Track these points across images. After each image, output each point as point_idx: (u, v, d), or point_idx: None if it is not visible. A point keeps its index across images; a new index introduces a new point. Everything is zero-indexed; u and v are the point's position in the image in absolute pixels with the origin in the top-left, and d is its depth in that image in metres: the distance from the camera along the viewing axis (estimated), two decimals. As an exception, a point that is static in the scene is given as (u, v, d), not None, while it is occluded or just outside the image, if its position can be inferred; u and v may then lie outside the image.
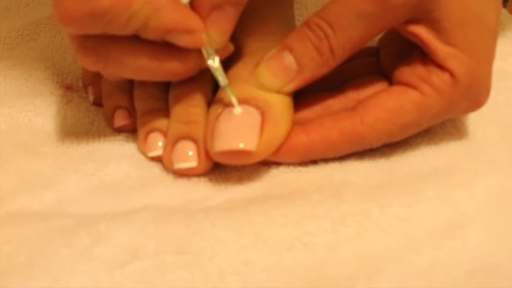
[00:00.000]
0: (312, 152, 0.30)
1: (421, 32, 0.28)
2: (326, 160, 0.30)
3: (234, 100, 0.29)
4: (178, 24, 0.27)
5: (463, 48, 0.28)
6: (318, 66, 0.29)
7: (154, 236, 0.26)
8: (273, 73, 0.30)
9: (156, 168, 0.31)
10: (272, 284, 0.24)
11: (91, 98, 0.37)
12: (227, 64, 0.31)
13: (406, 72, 0.30)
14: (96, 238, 0.25)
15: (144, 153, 0.32)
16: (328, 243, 0.26)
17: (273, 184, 0.30)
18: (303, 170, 0.30)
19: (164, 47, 0.29)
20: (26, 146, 0.33)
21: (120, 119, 0.34)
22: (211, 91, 0.32)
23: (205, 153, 0.29)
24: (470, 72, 0.28)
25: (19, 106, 0.35)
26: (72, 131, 0.34)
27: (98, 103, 0.36)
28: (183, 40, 0.28)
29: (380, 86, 0.31)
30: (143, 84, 0.34)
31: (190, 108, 0.31)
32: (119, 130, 0.34)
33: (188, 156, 0.30)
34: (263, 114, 0.29)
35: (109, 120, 0.35)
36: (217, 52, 0.29)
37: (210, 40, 0.29)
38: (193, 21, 0.28)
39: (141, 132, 0.32)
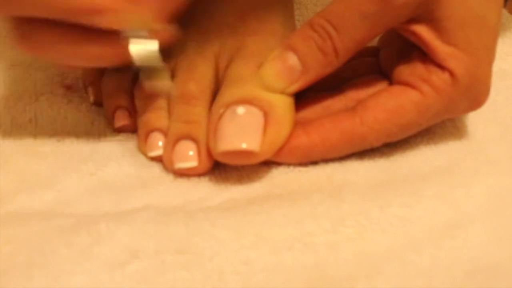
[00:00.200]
0: (313, 153, 0.30)
1: (422, 31, 0.29)
2: (326, 160, 0.30)
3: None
4: (83, 3, 0.25)
5: (464, 47, 0.28)
6: (322, 67, 0.29)
7: (154, 236, 0.26)
8: (277, 73, 0.30)
9: (156, 168, 0.31)
10: (272, 284, 0.24)
11: (91, 98, 0.37)
12: (228, 65, 0.31)
13: (405, 72, 0.30)
14: (96, 238, 0.25)
15: (144, 153, 0.32)
16: (328, 243, 0.26)
17: (273, 184, 0.30)
18: (303, 170, 0.30)
19: (92, 30, 0.26)
20: (26, 146, 0.33)
21: (121, 119, 0.34)
22: (212, 90, 0.32)
23: (206, 152, 0.29)
24: (470, 71, 0.29)
25: (19, 106, 0.35)
26: (72, 131, 0.34)
27: (98, 103, 0.36)
28: (97, 22, 0.26)
29: (380, 85, 0.31)
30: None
31: (191, 108, 0.31)
32: (119, 130, 0.34)
33: (188, 156, 0.30)
34: (266, 114, 0.29)
35: (110, 120, 0.35)
36: (154, 34, 0.27)
37: (135, 21, 0.26)
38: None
39: (141, 132, 0.32)
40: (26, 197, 0.29)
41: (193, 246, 0.25)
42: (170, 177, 0.30)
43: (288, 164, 0.30)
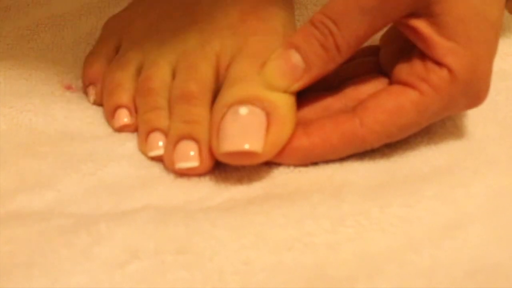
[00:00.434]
0: (313, 154, 0.30)
1: (421, 26, 0.28)
2: (326, 160, 0.30)
3: None
4: None
5: (464, 43, 0.28)
6: (325, 63, 0.29)
7: (154, 236, 0.26)
8: (280, 72, 0.30)
9: (156, 168, 0.31)
10: (272, 284, 0.24)
11: (91, 98, 0.37)
12: (230, 64, 0.31)
13: (405, 71, 0.30)
14: (96, 238, 0.25)
15: (144, 153, 0.32)
16: (328, 243, 0.26)
17: (273, 184, 0.30)
18: (303, 170, 0.30)
19: None
20: (26, 146, 0.32)
21: (121, 119, 0.34)
22: (213, 90, 0.32)
23: (207, 152, 0.30)
24: (469, 67, 0.28)
25: (19, 106, 0.35)
26: (72, 131, 0.34)
27: (98, 103, 0.36)
28: None
29: (380, 84, 0.31)
30: (144, 83, 0.34)
31: (191, 108, 0.31)
32: (119, 130, 0.34)
33: (189, 156, 0.30)
34: (268, 114, 0.29)
35: (110, 120, 0.35)
36: None
37: None
38: None
39: (142, 132, 0.32)
40: (26, 197, 0.29)
41: (193, 246, 0.25)
42: (170, 177, 0.30)
43: (288, 165, 0.30)
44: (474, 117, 0.33)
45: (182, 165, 0.30)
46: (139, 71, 0.35)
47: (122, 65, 0.36)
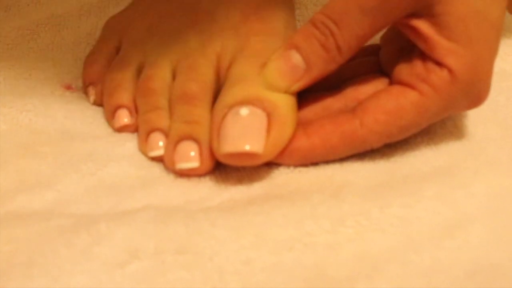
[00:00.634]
0: (313, 155, 0.30)
1: (422, 26, 0.28)
2: (326, 161, 0.30)
3: None
4: None
5: (464, 43, 0.28)
6: (326, 63, 0.29)
7: (154, 236, 0.26)
8: (281, 72, 0.30)
9: (156, 168, 0.31)
10: (272, 284, 0.24)
11: (91, 98, 0.37)
12: (230, 65, 0.31)
13: (405, 71, 0.30)
14: (96, 238, 0.25)
15: (144, 153, 0.32)
16: (328, 243, 0.26)
17: (273, 184, 0.30)
18: (303, 170, 0.30)
19: None
20: (26, 146, 0.32)
21: (121, 119, 0.34)
22: (213, 90, 0.32)
23: (207, 153, 0.29)
24: (469, 68, 0.28)
25: (19, 106, 0.35)
26: (72, 131, 0.34)
27: (98, 103, 0.36)
28: None
29: (379, 84, 0.31)
30: (144, 83, 0.34)
31: (192, 108, 0.31)
32: (120, 130, 0.34)
33: (190, 156, 0.30)
34: (269, 115, 0.29)
35: (110, 120, 0.35)
36: None
37: None
38: None
39: (142, 132, 0.32)
40: (26, 197, 0.29)
41: (193, 246, 0.25)
42: (170, 177, 0.30)
43: (288, 165, 0.30)
44: (474, 118, 0.33)
45: (183, 165, 0.30)
46: (139, 71, 0.35)
47: (123, 65, 0.36)
